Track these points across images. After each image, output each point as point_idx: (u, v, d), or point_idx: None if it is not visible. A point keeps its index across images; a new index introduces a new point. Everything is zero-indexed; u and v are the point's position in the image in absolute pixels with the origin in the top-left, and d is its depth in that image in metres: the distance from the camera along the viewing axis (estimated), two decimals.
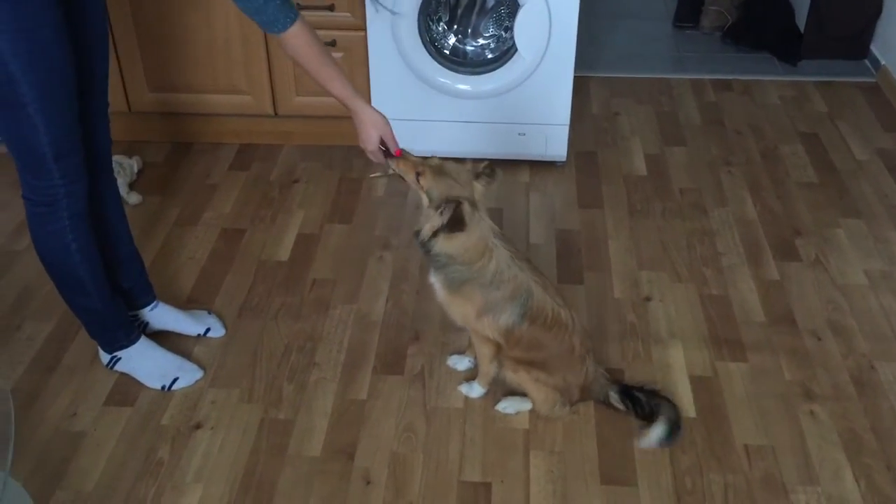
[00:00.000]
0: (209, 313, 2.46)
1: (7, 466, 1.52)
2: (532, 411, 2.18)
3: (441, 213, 1.92)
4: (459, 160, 2.06)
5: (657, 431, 2.05)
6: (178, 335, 2.39)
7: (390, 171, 3.12)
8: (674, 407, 2.08)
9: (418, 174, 1.98)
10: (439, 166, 1.99)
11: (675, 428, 2.05)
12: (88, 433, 2.14)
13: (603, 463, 2.06)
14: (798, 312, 2.50)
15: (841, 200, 2.98)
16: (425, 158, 2.02)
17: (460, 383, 2.26)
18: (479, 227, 1.96)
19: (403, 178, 2.03)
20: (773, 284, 2.60)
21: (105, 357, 2.28)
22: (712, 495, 1.99)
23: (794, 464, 2.06)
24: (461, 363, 2.30)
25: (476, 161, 2.04)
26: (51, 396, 2.23)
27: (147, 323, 2.38)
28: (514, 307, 2.00)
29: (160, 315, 2.38)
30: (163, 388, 2.25)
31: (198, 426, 2.16)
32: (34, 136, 1.86)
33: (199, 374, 2.28)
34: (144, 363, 2.26)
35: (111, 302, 2.20)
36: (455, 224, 1.90)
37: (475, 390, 2.22)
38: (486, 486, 2.01)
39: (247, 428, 2.15)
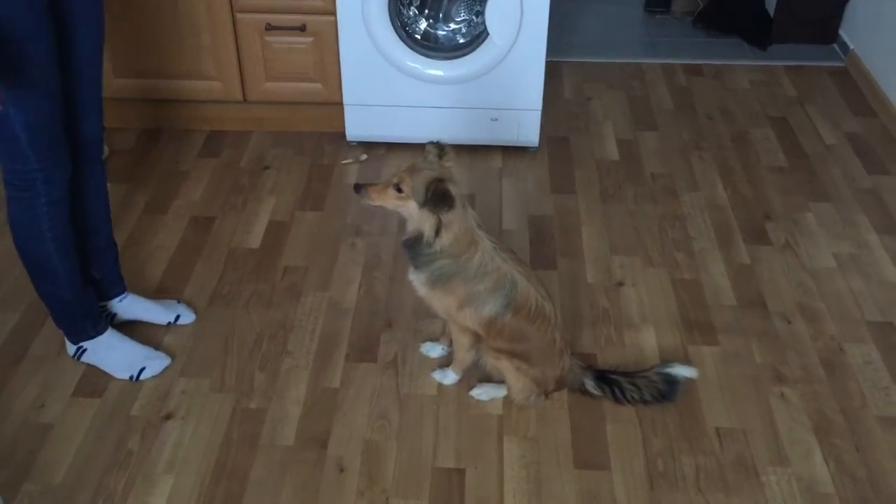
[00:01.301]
0: (178, 301, 2.43)
1: None
2: (506, 398, 2.18)
3: (430, 201, 1.87)
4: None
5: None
6: (148, 325, 2.36)
7: (363, 158, 3.11)
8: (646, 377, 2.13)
9: (397, 186, 1.92)
10: (411, 166, 1.96)
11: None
12: (56, 425, 2.11)
13: (576, 447, 2.07)
14: (768, 296, 2.52)
15: (810, 184, 3.00)
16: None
17: (433, 370, 2.25)
18: (466, 215, 1.94)
19: (386, 207, 1.98)
20: (744, 268, 2.62)
21: (71, 348, 2.25)
22: (684, 477, 2.00)
23: (765, 445, 2.08)
24: (434, 350, 2.30)
25: (430, 144, 2.00)
26: (18, 388, 2.20)
27: (115, 314, 2.35)
28: (497, 298, 1.99)
29: (129, 305, 2.36)
30: (131, 377, 2.22)
31: (168, 416, 2.14)
32: (4, 119, 1.82)
33: (166, 361, 2.26)
34: (111, 354, 2.24)
35: (81, 293, 2.17)
36: (441, 200, 1.86)
37: (448, 377, 2.22)
38: (461, 472, 2.01)
39: (218, 417, 2.13)
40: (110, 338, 2.25)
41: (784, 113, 3.41)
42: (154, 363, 2.25)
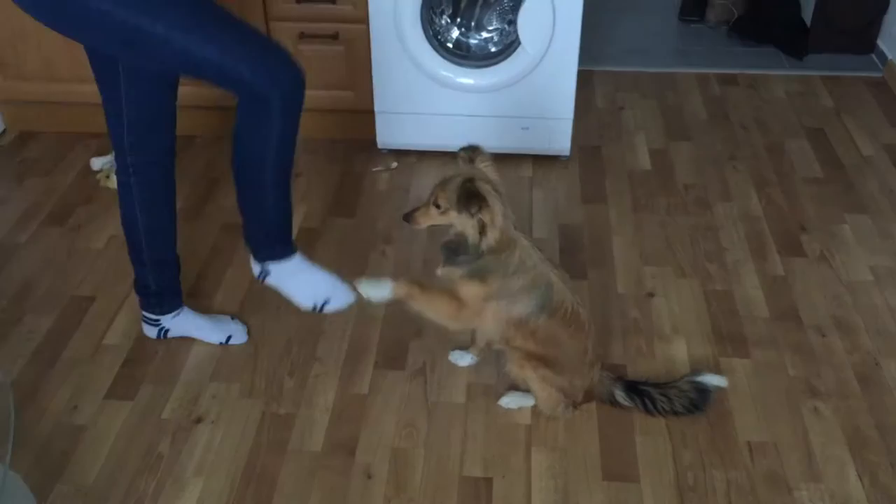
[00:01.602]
0: (232, 319, 2.42)
1: (7, 460, 1.52)
2: (534, 407, 2.17)
3: (462, 203, 1.88)
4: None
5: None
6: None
7: (393, 166, 3.12)
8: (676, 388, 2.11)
9: (434, 202, 1.93)
10: (442, 179, 1.96)
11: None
12: (89, 426, 2.13)
13: (605, 459, 2.05)
14: (802, 309, 2.48)
15: (846, 196, 2.96)
16: None
17: (451, 352, 2.29)
18: (505, 212, 1.91)
19: (436, 224, 1.99)
20: (778, 280, 2.59)
21: (256, 268, 2.22)
22: (715, 491, 1.98)
23: (798, 461, 2.05)
24: (463, 359, 2.29)
25: (462, 149, 2.01)
26: (51, 390, 2.23)
27: (168, 329, 2.34)
28: (532, 298, 1.98)
29: (182, 321, 2.34)
30: (314, 308, 2.20)
31: (198, 420, 2.15)
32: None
33: (352, 297, 2.19)
34: (296, 279, 2.19)
35: (286, 209, 2.16)
36: (469, 198, 1.86)
37: (465, 359, 2.28)
38: (488, 482, 2.00)
39: (248, 422, 2.15)
40: (297, 263, 2.19)
41: (820, 124, 3.37)
42: (340, 295, 2.20)
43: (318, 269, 2.23)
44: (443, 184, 1.93)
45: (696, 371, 2.16)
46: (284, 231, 2.18)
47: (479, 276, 1.98)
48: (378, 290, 2.04)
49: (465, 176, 1.90)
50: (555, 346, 2.04)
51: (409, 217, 2.01)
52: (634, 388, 2.12)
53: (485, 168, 1.96)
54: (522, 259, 1.96)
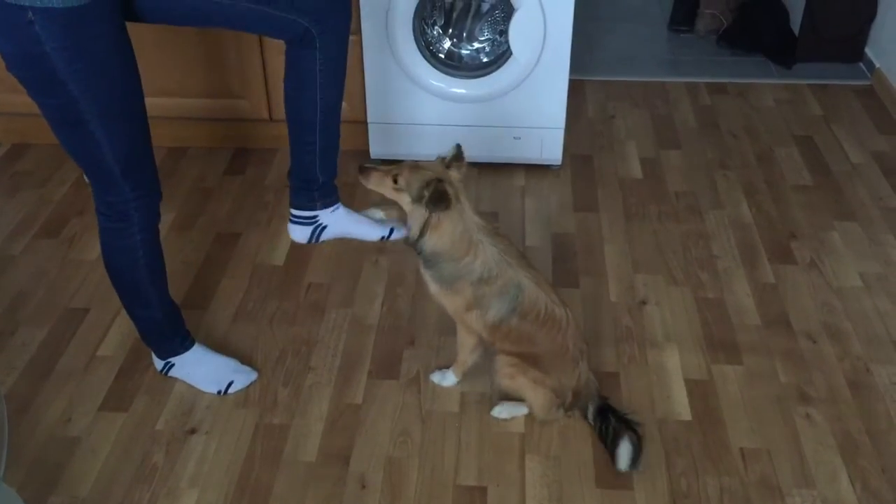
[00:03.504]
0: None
1: (1, 472, 1.52)
2: (528, 415, 2.17)
3: (423, 201, 1.91)
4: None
5: (623, 450, 2.00)
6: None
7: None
8: (635, 433, 2.03)
9: (395, 177, 1.97)
10: (413, 163, 2.00)
11: (637, 450, 2.01)
12: (83, 438, 2.13)
13: (598, 466, 2.06)
14: (793, 315, 2.50)
15: (836, 203, 2.98)
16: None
17: (433, 373, 2.28)
18: (463, 219, 1.95)
19: (380, 193, 2.03)
20: (769, 287, 2.60)
21: (159, 363, 2.27)
22: (708, 498, 1.99)
23: (790, 467, 2.06)
24: (446, 379, 2.27)
25: (453, 148, 2.03)
26: (45, 402, 2.23)
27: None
28: (503, 302, 2.00)
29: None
30: (219, 392, 2.24)
31: (192, 431, 2.15)
32: (98, 152, 1.85)
33: (253, 375, 2.27)
34: (199, 369, 2.25)
35: (171, 312, 2.20)
36: (438, 200, 1.89)
37: (448, 379, 2.25)
38: (482, 490, 2.01)
39: (242, 433, 2.15)
40: (197, 353, 2.26)
41: (809, 131, 3.40)
42: (242, 377, 2.26)
43: (217, 355, 2.28)
44: (411, 167, 1.98)
45: (623, 435, 2.03)
46: (173, 329, 2.22)
47: (448, 284, 2.01)
48: (446, 381, 2.25)
49: (439, 175, 1.93)
50: (532, 345, 2.05)
51: (365, 171, 2.04)
52: (603, 413, 2.09)
53: (453, 175, 1.98)
54: (488, 265, 1.97)
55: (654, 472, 2.04)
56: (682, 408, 2.20)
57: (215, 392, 2.24)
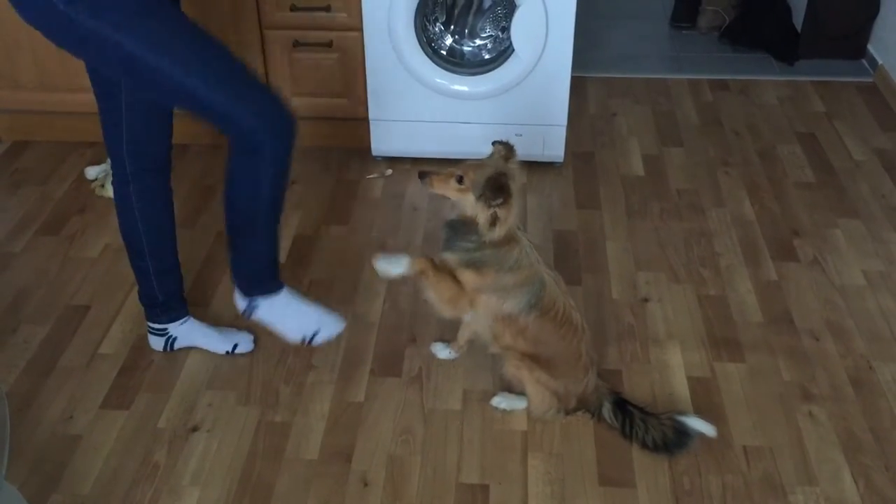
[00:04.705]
0: (238, 330, 2.40)
1: (3, 470, 1.51)
2: (528, 411, 2.17)
3: (489, 192, 1.92)
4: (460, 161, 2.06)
5: (691, 421, 2.04)
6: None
7: (388, 173, 3.14)
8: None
9: (459, 178, 1.97)
10: (476, 162, 2.01)
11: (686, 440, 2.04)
12: (85, 436, 2.13)
13: (601, 464, 2.06)
14: (796, 313, 2.49)
15: (839, 201, 2.97)
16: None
17: (435, 343, 2.33)
18: (515, 212, 1.98)
19: (445, 195, 2.02)
20: (771, 285, 2.60)
21: (242, 303, 2.21)
22: (711, 496, 1.98)
23: (793, 464, 2.06)
24: (443, 352, 2.33)
25: (498, 142, 2.05)
26: (47, 400, 2.23)
27: (175, 338, 2.33)
28: (524, 295, 2.00)
29: (188, 331, 2.34)
30: (303, 340, 2.21)
31: (194, 429, 2.15)
32: (193, 93, 1.85)
33: (341, 326, 2.23)
34: (286, 313, 2.20)
35: (277, 248, 2.16)
36: (500, 191, 1.91)
37: (443, 352, 2.32)
38: (484, 488, 2.01)
39: (244, 430, 2.15)
40: (286, 297, 2.20)
41: (812, 129, 3.39)
42: (329, 326, 2.21)
43: (305, 302, 2.25)
44: (475, 167, 1.99)
45: (685, 412, 2.10)
46: (273, 267, 2.19)
47: (475, 266, 2.01)
48: (395, 266, 2.09)
49: (500, 169, 1.96)
50: (545, 345, 2.05)
51: (425, 176, 2.04)
52: (622, 407, 2.10)
53: (514, 169, 2.00)
54: (520, 257, 2.00)
55: (656, 469, 2.04)
56: (684, 405, 2.20)
57: (299, 340, 2.21)
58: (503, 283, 2.00)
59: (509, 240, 1.99)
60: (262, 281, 2.19)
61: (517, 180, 1.98)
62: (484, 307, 2.05)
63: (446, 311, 2.11)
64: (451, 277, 2.05)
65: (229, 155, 1.97)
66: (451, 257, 2.04)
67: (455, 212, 2.06)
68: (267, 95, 1.94)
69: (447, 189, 2.01)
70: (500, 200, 1.92)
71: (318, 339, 2.22)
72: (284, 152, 1.97)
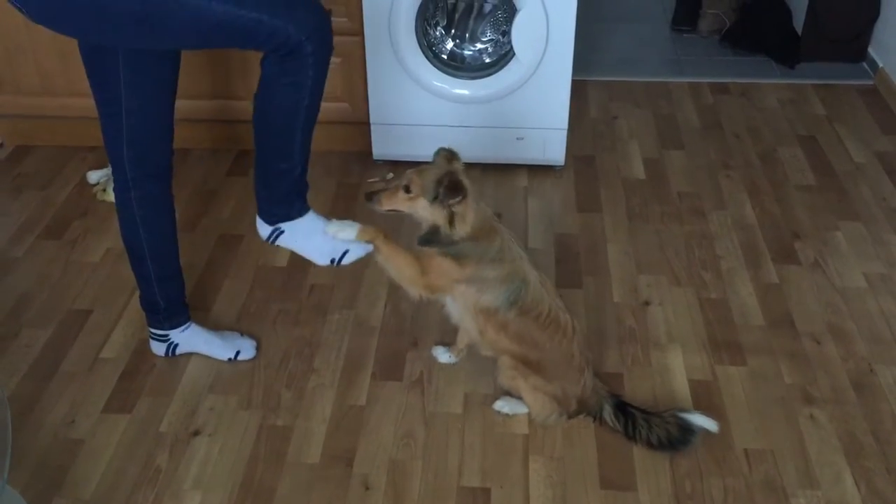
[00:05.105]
0: (241, 335, 2.40)
1: (4, 474, 1.52)
2: (530, 416, 2.17)
3: (440, 196, 1.92)
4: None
5: (695, 417, 2.05)
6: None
7: (389, 177, 3.14)
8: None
9: (406, 187, 1.97)
10: (418, 168, 2.01)
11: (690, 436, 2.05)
12: (87, 440, 2.13)
13: (602, 467, 2.06)
14: (797, 316, 2.49)
15: (840, 203, 2.97)
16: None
17: (436, 346, 2.34)
18: (479, 207, 1.98)
19: (397, 210, 2.01)
20: (772, 288, 2.60)
21: (265, 230, 2.11)
22: (712, 499, 1.98)
23: (795, 468, 2.05)
24: (443, 356, 2.33)
25: (441, 149, 2.06)
26: (49, 404, 2.23)
27: (177, 344, 2.34)
28: (503, 292, 2.00)
29: (190, 337, 2.34)
30: (332, 261, 2.12)
31: (196, 433, 2.15)
32: (230, 18, 1.75)
33: (368, 247, 2.09)
34: (312, 238, 2.10)
35: (306, 169, 2.06)
36: (454, 189, 1.91)
37: (443, 356, 2.32)
38: (486, 492, 2.01)
39: (245, 434, 2.15)
40: (312, 220, 2.09)
41: (812, 131, 3.39)
42: (357, 247, 2.09)
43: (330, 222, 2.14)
44: (419, 172, 1.98)
45: (686, 409, 2.12)
46: (303, 188, 2.09)
47: (455, 256, 2.00)
48: (345, 231, 2.05)
49: (447, 169, 1.96)
50: (532, 346, 2.04)
51: (372, 197, 2.03)
52: (623, 409, 2.10)
53: (459, 170, 2.00)
54: (502, 250, 1.99)
55: (658, 473, 2.04)
56: (685, 406, 2.19)
57: (328, 262, 2.11)
58: (483, 276, 1.99)
59: (488, 232, 1.99)
60: (291, 203, 2.07)
61: (467, 177, 1.97)
62: (462, 297, 2.04)
63: (410, 292, 2.07)
64: (409, 255, 2.03)
65: (265, 64, 1.88)
66: (428, 249, 2.02)
67: (423, 226, 2.02)
68: (306, 8, 1.85)
69: (397, 202, 1.99)
70: (458, 198, 1.91)
71: (347, 260, 2.11)
72: (325, 56, 1.89)
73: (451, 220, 1.95)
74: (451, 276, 2.01)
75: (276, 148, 2.00)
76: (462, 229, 1.96)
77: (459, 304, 2.07)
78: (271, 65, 1.87)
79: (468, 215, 1.96)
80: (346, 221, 2.08)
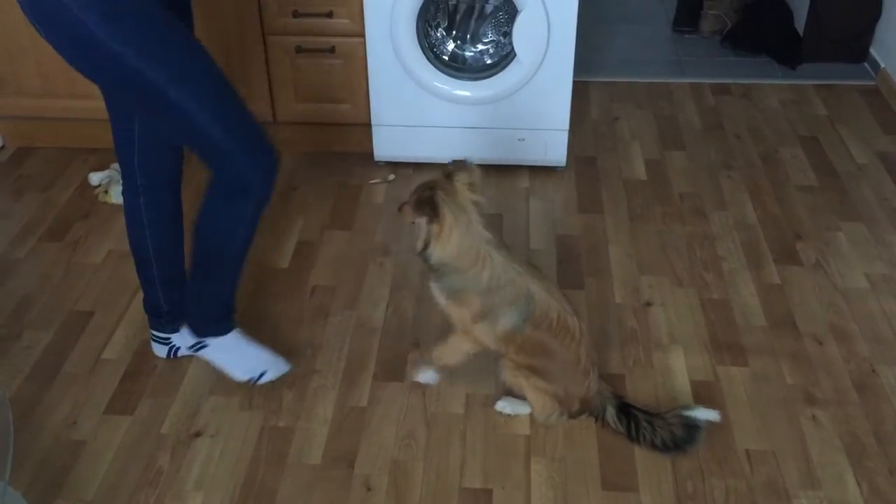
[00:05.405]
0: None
1: (6, 476, 1.52)
2: (532, 416, 2.17)
3: (414, 206, 1.91)
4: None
5: (698, 412, 2.05)
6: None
7: (391, 178, 3.14)
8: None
9: (401, 207, 1.99)
10: (419, 184, 1.99)
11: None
12: (88, 441, 2.13)
13: (604, 468, 2.06)
14: (799, 316, 2.49)
15: (841, 204, 2.97)
16: None
17: (415, 368, 2.28)
18: (470, 232, 1.93)
19: (413, 222, 2.02)
20: (774, 288, 2.60)
21: (189, 340, 2.25)
22: (714, 500, 1.98)
23: (796, 468, 2.05)
24: (425, 376, 2.27)
25: (451, 163, 2.03)
26: (50, 405, 2.23)
27: (178, 347, 2.34)
28: (514, 312, 1.99)
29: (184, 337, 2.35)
30: (249, 380, 2.23)
31: (197, 434, 2.15)
32: (190, 120, 1.85)
33: (286, 367, 2.25)
34: (233, 354, 2.23)
35: (236, 290, 2.16)
36: (424, 206, 1.89)
37: (428, 376, 2.25)
38: (487, 493, 2.01)
39: (247, 436, 2.15)
40: (234, 339, 2.23)
41: (814, 132, 3.39)
42: (276, 367, 2.24)
43: (254, 344, 2.26)
44: (416, 188, 1.98)
45: (687, 405, 2.12)
46: (231, 308, 2.21)
47: (454, 294, 2.00)
48: (427, 377, 2.23)
49: (430, 184, 1.93)
50: (546, 356, 2.04)
51: (399, 208, 2.05)
52: (626, 411, 2.09)
53: (462, 185, 1.95)
54: (497, 275, 1.96)
55: (659, 474, 2.04)
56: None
57: (245, 380, 2.22)
58: (491, 305, 1.98)
59: (475, 261, 1.94)
60: (219, 320, 2.21)
61: (456, 196, 1.92)
62: (484, 336, 2.04)
63: (473, 350, 2.11)
64: (448, 340, 2.10)
65: (209, 194, 1.97)
66: (437, 286, 2.03)
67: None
68: (257, 130, 1.93)
69: (408, 215, 1.99)
70: (424, 218, 1.89)
71: (265, 379, 2.23)
72: (267, 193, 1.98)
73: (426, 241, 1.93)
74: (468, 319, 2.02)
75: (213, 272, 2.10)
76: (439, 252, 1.93)
77: (484, 341, 2.06)
78: (216, 195, 1.97)
79: (451, 238, 1.91)
80: (425, 370, 2.23)
